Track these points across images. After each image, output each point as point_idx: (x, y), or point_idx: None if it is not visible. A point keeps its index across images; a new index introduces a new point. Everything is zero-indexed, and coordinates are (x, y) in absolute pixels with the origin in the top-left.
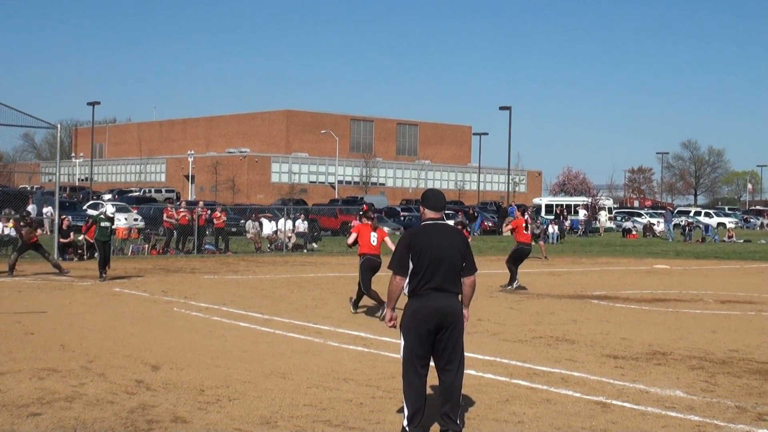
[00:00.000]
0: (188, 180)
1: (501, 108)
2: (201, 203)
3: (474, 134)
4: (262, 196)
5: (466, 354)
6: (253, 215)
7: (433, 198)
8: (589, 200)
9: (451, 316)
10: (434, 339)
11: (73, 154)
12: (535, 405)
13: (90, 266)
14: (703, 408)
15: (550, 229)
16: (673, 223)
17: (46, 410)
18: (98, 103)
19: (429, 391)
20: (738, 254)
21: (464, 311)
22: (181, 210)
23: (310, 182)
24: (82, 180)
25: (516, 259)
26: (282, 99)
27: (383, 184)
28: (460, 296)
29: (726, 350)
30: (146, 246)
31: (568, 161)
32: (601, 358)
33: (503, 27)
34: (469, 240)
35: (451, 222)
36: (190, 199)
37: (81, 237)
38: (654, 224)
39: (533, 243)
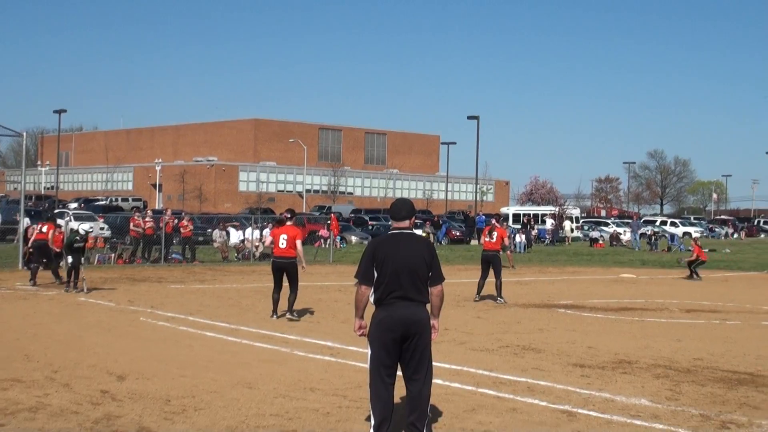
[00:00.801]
0: (155, 189)
1: (469, 117)
2: (168, 212)
3: (442, 143)
4: (229, 204)
5: (433, 363)
6: (221, 224)
7: (397, 208)
8: (557, 210)
9: (417, 326)
10: (401, 348)
11: (39, 162)
12: (501, 414)
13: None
14: (667, 416)
15: (518, 239)
16: (639, 232)
17: (10, 421)
18: (65, 111)
19: (397, 400)
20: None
21: (433, 321)
22: (148, 219)
23: (278, 191)
24: (48, 188)
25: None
26: (250, 108)
27: (351, 193)
28: (428, 305)
29: (691, 359)
30: (112, 255)
31: (536, 171)
32: (568, 367)
33: (471, 37)
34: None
35: (419, 231)
36: (157, 207)
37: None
38: (620, 233)
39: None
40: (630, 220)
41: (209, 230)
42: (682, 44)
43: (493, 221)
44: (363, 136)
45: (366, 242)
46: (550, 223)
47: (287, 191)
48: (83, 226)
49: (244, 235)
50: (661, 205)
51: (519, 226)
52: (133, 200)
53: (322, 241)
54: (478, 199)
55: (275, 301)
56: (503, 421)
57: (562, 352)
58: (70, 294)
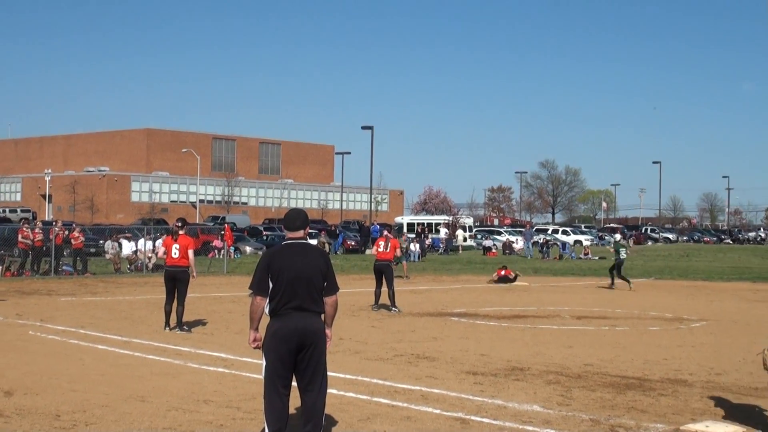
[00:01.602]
0: (45, 199)
1: (363, 128)
2: (59, 223)
3: (337, 153)
4: (122, 215)
5: (327, 373)
6: (113, 235)
7: (291, 218)
8: (450, 219)
9: (312, 336)
10: (296, 359)
11: None
12: (395, 423)
13: None
14: (559, 421)
15: (412, 248)
16: (532, 240)
17: None
18: None
19: (291, 410)
20: (594, 271)
21: (327, 331)
22: (37, 231)
23: (171, 201)
24: None
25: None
26: (143, 117)
27: (246, 203)
28: (322, 315)
29: (581, 364)
30: (0, 268)
31: (430, 180)
32: (461, 375)
33: (365, 47)
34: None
35: (313, 241)
36: (47, 219)
37: None
38: (513, 242)
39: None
40: (522, 229)
41: (101, 242)
42: (572, 56)
43: (386, 232)
44: (257, 146)
45: (260, 252)
46: (443, 232)
47: (181, 202)
48: None
49: (136, 246)
50: (553, 213)
51: (413, 236)
52: (22, 211)
53: (216, 251)
54: (372, 208)
55: (167, 313)
56: (397, 429)
57: (456, 360)
58: None
